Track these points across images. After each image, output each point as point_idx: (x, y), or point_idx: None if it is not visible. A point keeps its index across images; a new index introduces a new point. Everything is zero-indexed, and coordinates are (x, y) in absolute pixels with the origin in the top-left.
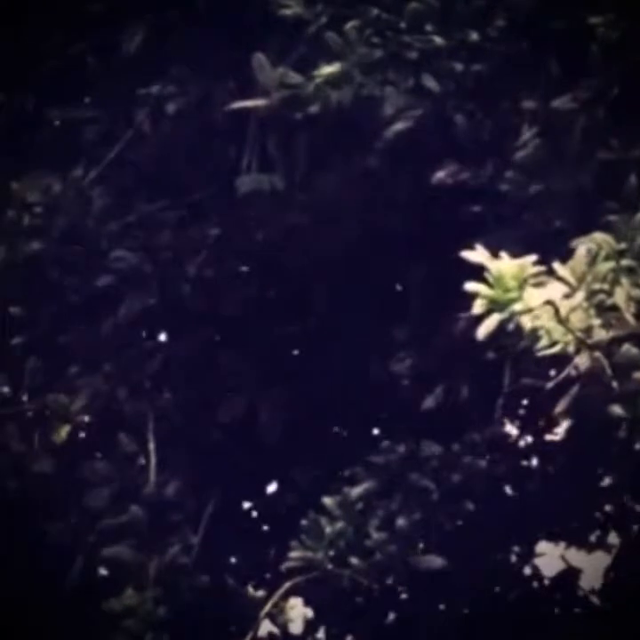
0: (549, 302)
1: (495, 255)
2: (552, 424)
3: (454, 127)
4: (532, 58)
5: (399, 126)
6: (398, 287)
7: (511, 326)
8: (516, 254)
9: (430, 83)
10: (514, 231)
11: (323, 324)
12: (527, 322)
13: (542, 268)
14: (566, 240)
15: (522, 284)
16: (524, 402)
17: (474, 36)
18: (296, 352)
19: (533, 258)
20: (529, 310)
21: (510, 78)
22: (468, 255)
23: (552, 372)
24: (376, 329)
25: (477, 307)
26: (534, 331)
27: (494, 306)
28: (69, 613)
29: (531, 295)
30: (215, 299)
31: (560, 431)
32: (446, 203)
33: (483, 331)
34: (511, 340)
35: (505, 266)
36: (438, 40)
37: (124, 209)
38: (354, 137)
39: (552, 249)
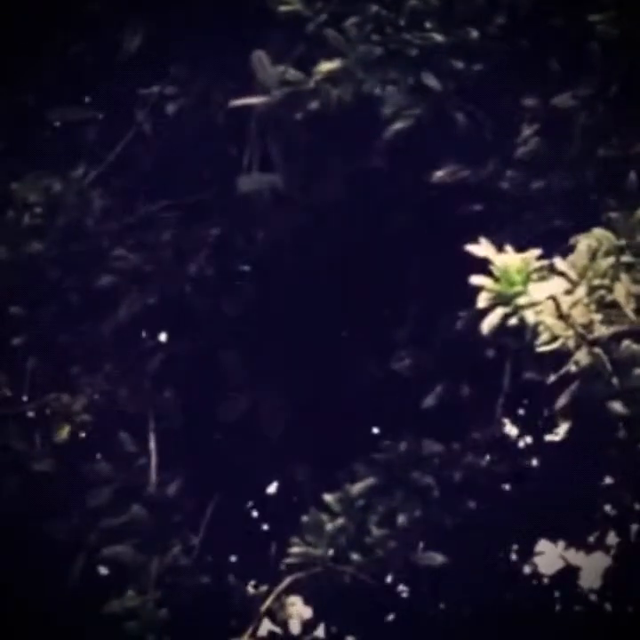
0: (551, 297)
1: (499, 249)
2: (552, 423)
3: (455, 125)
4: (532, 55)
5: (400, 125)
6: (398, 286)
7: (514, 321)
8: (517, 251)
9: (431, 81)
10: (514, 229)
11: (323, 322)
12: (530, 316)
13: (545, 263)
14: (566, 238)
15: (526, 278)
16: (525, 401)
17: (474, 33)
18: (297, 351)
19: (537, 252)
20: (533, 304)
21: (511, 76)
22: (473, 249)
23: (553, 369)
24: (376, 327)
25: (482, 300)
26: (536, 325)
27: (499, 300)
28: (70, 614)
29: (534, 289)
30: (216, 298)
31: (560, 430)
32: (447, 201)
33: (487, 325)
34: (514, 335)
35: (510, 259)
36: (438, 37)
37: (125, 208)
38: (354, 136)
39: (552, 247)
